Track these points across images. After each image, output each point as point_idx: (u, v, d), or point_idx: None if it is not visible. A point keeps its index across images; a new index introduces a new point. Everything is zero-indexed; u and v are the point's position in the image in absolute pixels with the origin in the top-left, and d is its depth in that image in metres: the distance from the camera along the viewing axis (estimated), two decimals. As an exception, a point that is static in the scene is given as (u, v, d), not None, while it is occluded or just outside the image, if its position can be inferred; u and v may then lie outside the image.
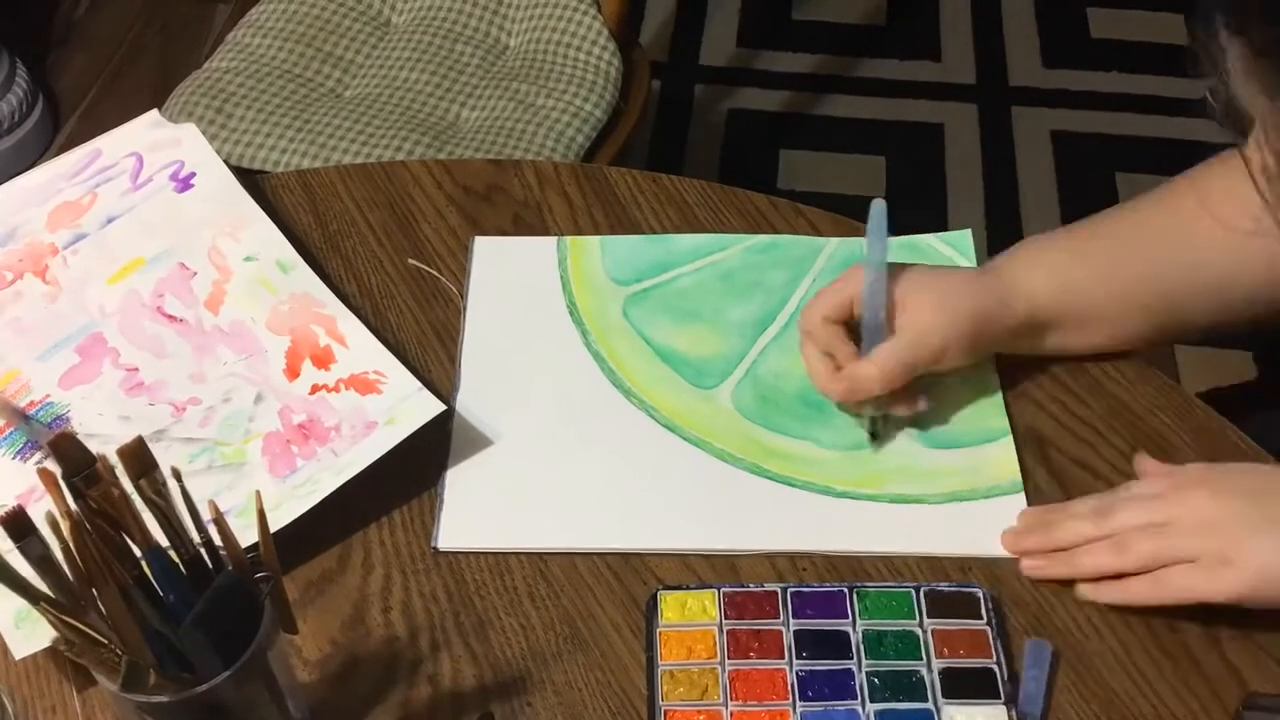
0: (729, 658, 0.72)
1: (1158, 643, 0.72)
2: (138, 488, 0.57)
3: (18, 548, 0.54)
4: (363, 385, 0.83)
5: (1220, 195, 0.78)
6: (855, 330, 0.81)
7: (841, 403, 0.82)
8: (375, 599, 0.75)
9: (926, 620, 0.73)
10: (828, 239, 0.93)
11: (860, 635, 0.72)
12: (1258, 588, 0.69)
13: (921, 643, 0.72)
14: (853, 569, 0.76)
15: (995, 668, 0.70)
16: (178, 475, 0.58)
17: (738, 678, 0.71)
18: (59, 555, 0.55)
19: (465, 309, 0.90)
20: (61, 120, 2.19)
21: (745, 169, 2.15)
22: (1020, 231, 2.04)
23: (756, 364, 0.86)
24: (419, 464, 0.80)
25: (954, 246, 0.92)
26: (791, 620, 0.73)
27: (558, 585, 0.76)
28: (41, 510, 0.54)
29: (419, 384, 0.82)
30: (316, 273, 0.90)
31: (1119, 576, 0.72)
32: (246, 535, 0.59)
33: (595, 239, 0.94)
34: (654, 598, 0.74)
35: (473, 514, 0.79)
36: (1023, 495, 0.78)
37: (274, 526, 0.60)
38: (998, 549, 0.76)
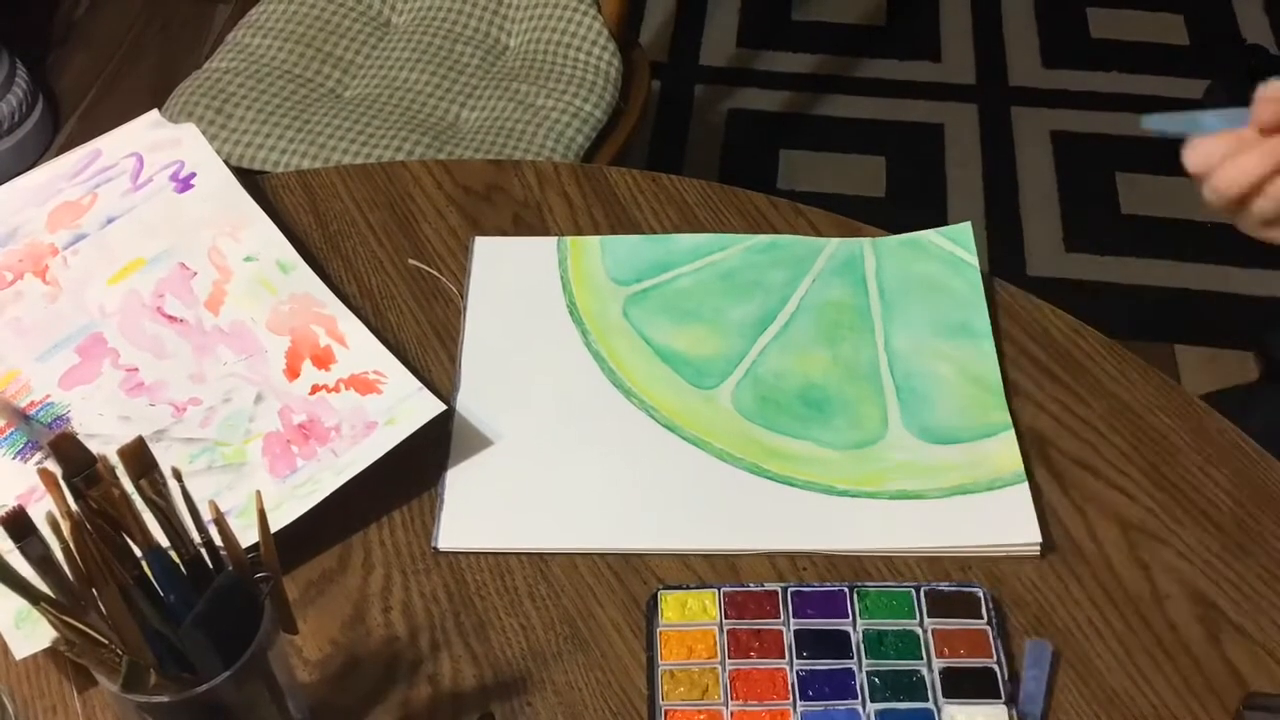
0: (729, 657, 0.72)
1: (1158, 643, 0.72)
2: (138, 488, 0.57)
3: (18, 548, 0.54)
4: (363, 385, 0.83)
5: None
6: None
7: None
8: (375, 599, 0.75)
9: (927, 620, 0.73)
10: (828, 239, 0.93)
11: (860, 635, 0.72)
12: None
13: (922, 642, 0.72)
14: (853, 568, 0.76)
15: (995, 667, 0.70)
16: (178, 475, 0.58)
17: (738, 677, 0.71)
18: (59, 555, 0.55)
19: (465, 309, 0.90)
20: (61, 120, 2.19)
21: (745, 169, 2.15)
22: (1020, 231, 2.04)
23: (756, 364, 0.86)
24: (419, 464, 0.80)
25: (955, 240, 0.92)
26: (792, 620, 0.73)
27: (558, 585, 0.76)
28: (42, 510, 0.54)
29: (419, 384, 0.82)
30: (316, 273, 0.90)
31: None
32: (247, 535, 0.59)
33: (595, 239, 0.94)
34: (654, 598, 0.74)
35: (473, 514, 0.79)
36: (1025, 486, 0.78)
37: (274, 526, 0.60)
38: (1001, 539, 0.76)
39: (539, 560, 0.77)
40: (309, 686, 0.71)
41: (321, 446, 0.80)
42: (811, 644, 0.72)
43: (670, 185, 0.98)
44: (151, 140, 0.97)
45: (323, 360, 0.85)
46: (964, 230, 0.93)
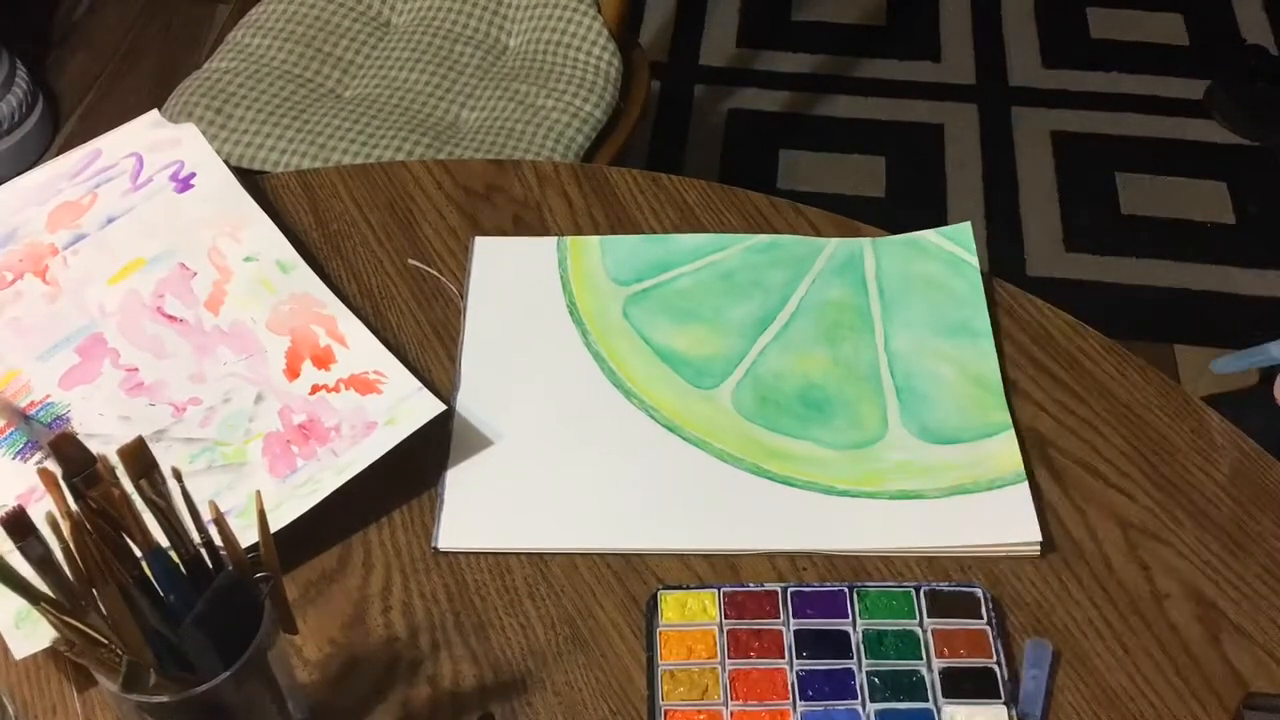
0: (729, 657, 0.72)
1: (1158, 643, 0.72)
2: (138, 488, 0.57)
3: (18, 548, 0.54)
4: (363, 385, 0.83)
5: None
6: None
7: None
8: (375, 599, 0.75)
9: (927, 620, 0.73)
10: (828, 239, 0.93)
11: (860, 635, 0.72)
12: None
13: (922, 642, 0.72)
14: (853, 568, 0.76)
15: (995, 667, 0.70)
16: (178, 475, 0.58)
17: (738, 677, 0.71)
18: (59, 555, 0.55)
19: (465, 309, 0.90)
20: (61, 120, 2.19)
21: (745, 169, 2.15)
22: (1020, 232, 2.05)
23: (756, 364, 0.86)
24: (419, 464, 0.80)
25: (955, 240, 0.92)
26: (792, 620, 0.73)
27: (558, 585, 0.76)
28: (42, 510, 0.54)
29: (419, 384, 0.82)
30: (316, 273, 0.90)
31: None
32: (246, 535, 0.59)
33: (595, 239, 0.94)
34: (654, 598, 0.74)
35: (473, 514, 0.79)
36: (1025, 486, 0.78)
37: (274, 526, 0.60)
38: (1000, 538, 0.76)
39: (539, 560, 0.77)
40: (309, 686, 0.71)
41: (321, 446, 0.80)
42: (811, 644, 0.72)
43: (670, 185, 0.98)
44: (151, 140, 0.97)
45: (323, 360, 0.85)
46: (964, 230, 0.93)
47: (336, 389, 0.83)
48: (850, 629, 0.73)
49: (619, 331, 0.88)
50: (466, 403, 0.84)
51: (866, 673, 0.71)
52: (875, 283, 0.90)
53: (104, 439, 0.80)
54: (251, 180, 0.97)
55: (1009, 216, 2.07)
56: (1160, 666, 0.71)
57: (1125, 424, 0.82)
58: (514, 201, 0.97)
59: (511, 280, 0.91)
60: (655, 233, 0.94)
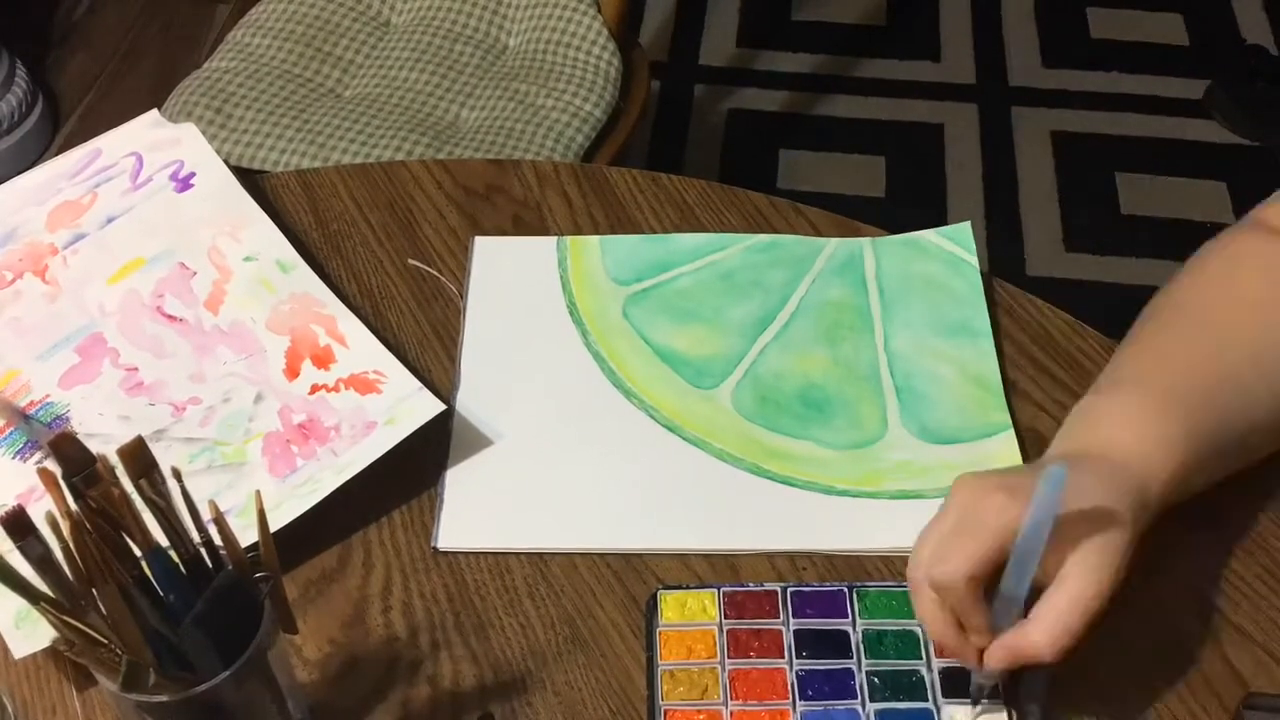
0: (729, 657, 0.72)
1: (1158, 643, 0.72)
2: (138, 488, 0.57)
3: (18, 548, 0.54)
4: (363, 385, 0.83)
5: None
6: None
7: (967, 665, 0.68)
8: (375, 599, 0.75)
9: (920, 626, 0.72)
10: (828, 239, 0.93)
11: (860, 635, 0.72)
12: None
13: (922, 642, 0.72)
14: (853, 568, 0.76)
15: (995, 667, 0.70)
16: (178, 475, 0.58)
17: (738, 677, 0.71)
18: (59, 555, 0.55)
19: (465, 309, 0.90)
20: (61, 120, 2.19)
21: (745, 169, 2.15)
22: (1020, 231, 2.04)
23: (756, 364, 0.86)
24: (419, 464, 0.80)
25: (954, 240, 0.92)
26: (791, 620, 0.73)
27: (558, 585, 0.76)
28: (41, 510, 0.54)
29: (419, 384, 0.82)
30: (316, 273, 0.90)
31: None
32: (246, 535, 0.59)
33: (595, 239, 0.94)
34: (654, 597, 0.74)
35: (473, 514, 0.79)
36: (1024, 492, 0.78)
37: (274, 526, 0.60)
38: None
39: (539, 560, 0.77)
40: (309, 686, 0.71)
41: (321, 446, 0.80)
42: (811, 644, 0.72)
43: (670, 185, 0.98)
44: (151, 140, 0.97)
45: (322, 360, 0.85)
46: (964, 230, 0.93)
47: (336, 389, 0.83)
48: (850, 629, 0.73)
49: (619, 331, 0.88)
50: (466, 403, 0.84)
51: (866, 672, 0.71)
52: (875, 283, 0.90)
53: (104, 439, 0.80)
54: (251, 180, 0.97)
55: (1009, 216, 2.07)
56: (1160, 666, 0.71)
57: (1125, 424, 0.82)
58: (514, 201, 0.97)
59: (511, 280, 0.91)
60: (655, 233, 0.94)
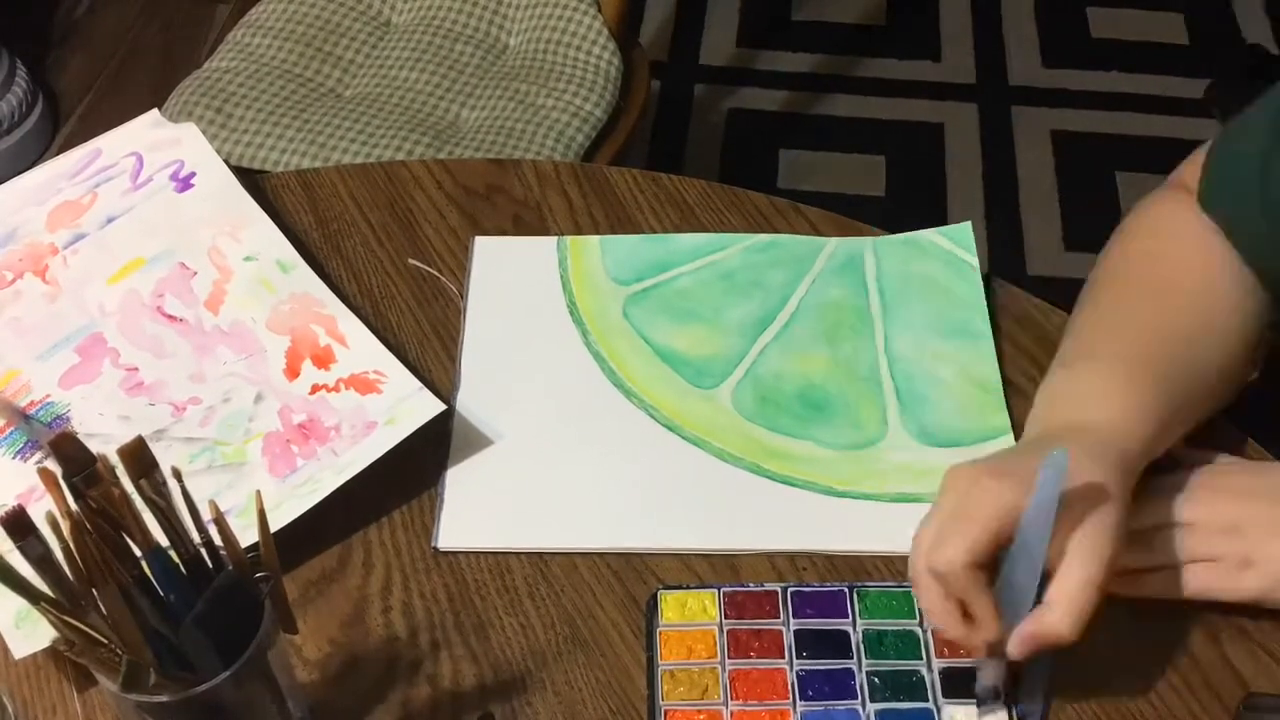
0: (729, 657, 0.72)
1: (1158, 643, 0.72)
2: (138, 488, 0.57)
3: (18, 548, 0.54)
4: (363, 385, 0.83)
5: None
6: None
7: (982, 656, 0.68)
8: (375, 599, 0.75)
9: (927, 620, 0.72)
10: (828, 239, 0.93)
11: (860, 635, 0.72)
12: (1276, 589, 0.70)
13: (922, 642, 0.72)
14: (853, 568, 0.76)
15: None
16: (178, 475, 0.58)
17: (738, 677, 0.71)
18: (59, 555, 0.55)
19: (465, 309, 0.90)
20: (61, 120, 2.19)
21: (745, 169, 2.15)
22: (1020, 231, 2.04)
23: (756, 364, 0.86)
24: (419, 464, 0.80)
25: (955, 240, 0.92)
26: (792, 620, 0.73)
27: (558, 585, 0.76)
28: (41, 510, 0.54)
29: (419, 384, 0.82)
30: (316, 273, 0.90)
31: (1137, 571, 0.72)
32: (246, 535, 0.59)
33: (595, 239, 0.94)
34: (654, 597, 0.74)
35: (473, 514, 0.79)
36: (1023, 495, 0.78)
37: (274, 526, 0.60)
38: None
39: (539, 560, 0.77)
40: (309, 686, 0.71)
41: (321, 446, 0.80)
42: (811, 644, 0.72)
43: (670, 185, 0.98)
44: (151, 140, 0.97)
45: (323, 360, 0.85)
46: (964, 230, 0.93)
47: (336, 389, 0.83)
48: (850, 629, 0.73)
49: (619, 331, 0.88)
50: (466, 403, 0.84)
51: (866, 673, 0.71)
52: (875, 283, 0.90)
53: (104, 439, 0.80)
54: (251, 180, 0.97)
55: (1009, 216, 2.07)
56: (1160, 666, 0.71)
57: (1125, 424, 0.82)
58: (514, 201, 0.97)
59: (511, 280, 0.91)
60: (655, 232, 0.94)
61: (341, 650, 0.73)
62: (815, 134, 2.21)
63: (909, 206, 2.08)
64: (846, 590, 0.74)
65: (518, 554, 0.77)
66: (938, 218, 2.03)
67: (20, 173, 0.96)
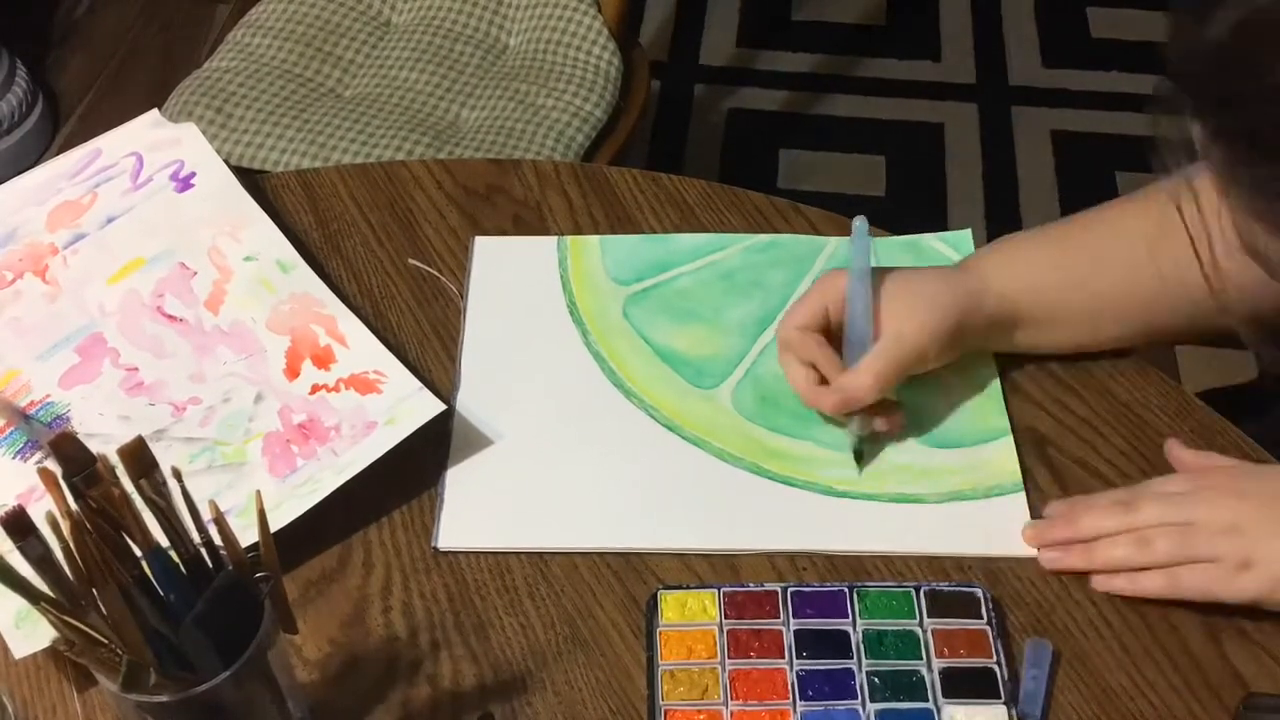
0: (729, 657, 0.72)
1: (1158, 643, 0.72)
2: (138, 487, 0.57)
3: (18, 548, 0.54)
4: (363, 385, 0.83)
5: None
6: (832, 338, 0.80)
7: (830, 414, 0.81)
8: (375, 599, 0.75)
9: (927, 620, 0.73)
10: (828, 238, 0.93)
11: (860, 635, 0.72)
12: (1275, 591, 0.70)
13: (922, 642, 0.72)
14: (853, 569, 0.76)
15: (995, 667, 0.70)
16: (178, 475, 0.58)
17: (738, 677, 0.71)
18: (59, 555, 0.55)
19: (465, 309, 0.90)
20: (61, 120, 2.19)
21: (745, 169, 2.15)
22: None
23: (756, 364, 0.86)
24: (419, 464, 0.80)
25: (954, 246, 0.92)
26: (792, 620, 0.73)
27: (558, 585, 0.76)
28: (41, 510, 0.54)
29: (419, 384, 0.82)
30: (316, 273, 0.90)
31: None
32: (246, 535, 0.59)
33: (595, 239, 0.94)
34: (654, 597, 0.74)
35: (473, 514, 0.79)
36: (1023, 495, 0.78)
37: (274, 526, 0.60)
38: (998, 548, 0.76)
39: (539, 560, 0.77)
40: (309, 686, 0.71)
41: (321, 446, 0.80)
42: (811, 644, 0.72)
43: (670, 185, 0.98)
44: (151, 140, 0.97)
45: (323, 360, 0.85)
46: (964, 237, 0.93)
47: (336, 389, 0.83)
48: (850, 629, 0.73)
49: (619, 331, 0.88)
50: (466, 403, 0.84)
51: (866, 673, 0.71)
52: (875, 283, 0.90)
53: (104, 439, 0.80)
54: (251, 180, 0.97)
55: (1009, 216, 2.07)
56: (1160, 666, 0.71)
57: (1125, 424, 0.82)
58: (514, 201, 0.97)
59: (511, 280, 0.91)
60: (655, 232, 0.94)
61: (341, 650, 0.73)
62: (815, 134, 2.20)
63: (909, 207, 2.07)
64: (846, 590, 0.74)
65: (518, 554, 0.77)
66: (938, 218, 2.03)
67: (20, 173, 0.96)
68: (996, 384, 0.84)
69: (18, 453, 0.81)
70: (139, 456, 0.57)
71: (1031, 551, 0.76)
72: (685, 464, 0.81)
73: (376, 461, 0.78)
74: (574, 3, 1.48)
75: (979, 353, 0.85)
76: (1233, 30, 0.51)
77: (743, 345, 0.87)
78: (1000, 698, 0.69)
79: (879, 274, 0.80)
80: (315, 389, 0.83)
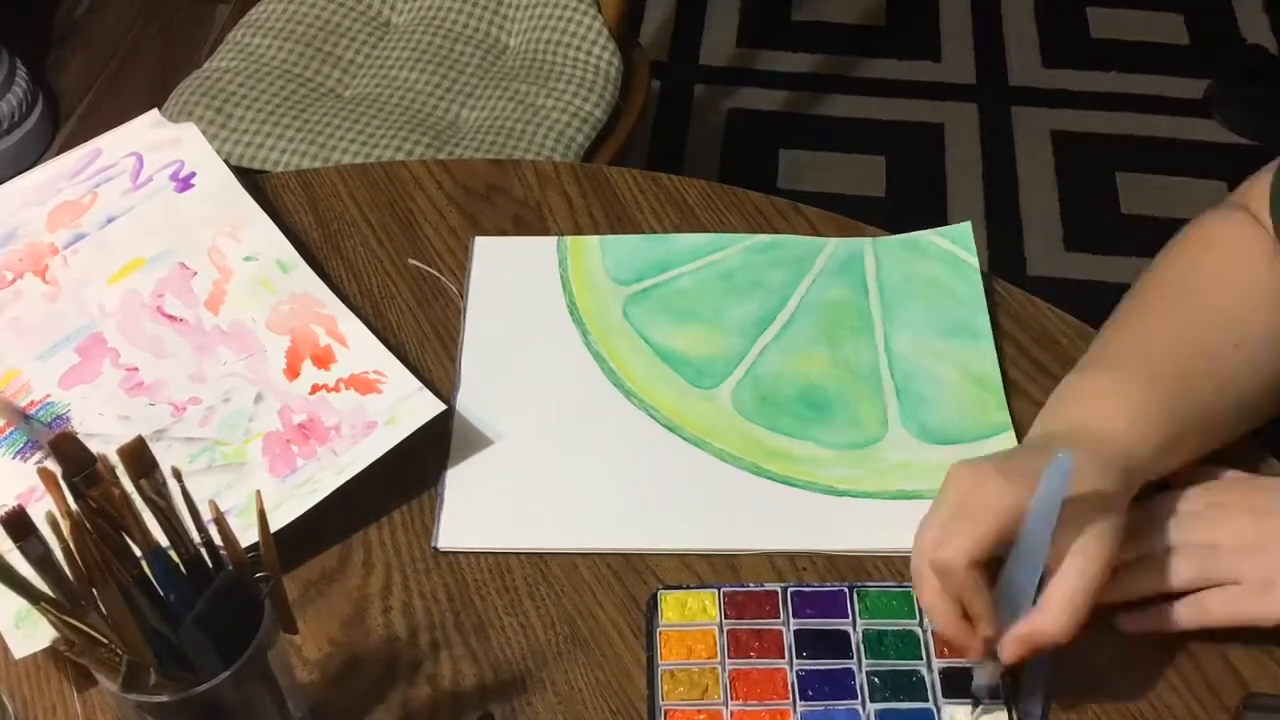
0: (729, 657, 0.72)
1: (1158, 643, 0.72)
2: (138, 487, 0.57)
3: (18, 548, 0.54)
4: (363, 385, 0.83)
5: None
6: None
7: (973, 659, 0.68)
8: (375, 599, 0.75)
9: (927, 620, 0.72)
10: (827, 239, 0.93)
11: (860, 635, 0.72)
12: None
13: (922, 642, 0.72)
14: (853, 568, 0.76)
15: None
16: (178, 475, 0.58)
17: (738, 677, 0.71)
18: (59, 555, 0.55)
19: (465, 309, 0.90)
20: (61, 120, 2.19)
21: (745, 169, 2.15)
22: (1020, 231, 2.04)
23: (756, 364, 0.86)
24: (419, 464, 0.80)
25: (955, 241, 0.92)
26: (792, 620, 0.73)
27: (558, 585, 0.76)
28: (41, 510, 0.54)
29: (419, 384, 0.82)
30: (316, 273, 0.90)
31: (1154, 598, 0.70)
32: (246, 535, 0.59)
33: (595, 239, 0.94)
34: (654, 597, 0.74)
35: (473, 514, 0.79)
36: (1023, 494, 0.78)
37: (274, 526, 0.60)
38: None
39: (539, 560, 0.77)
40: (309, 686, 0.71)
41: (321, 446, 0.80)
42: (811, 644, 0.72)
43: (670, 185, 0.98)
44: (151, 140, 0.97)
45: (323, 360, 0.85)
46: (964, 230, 0.93)
47: (336, 389, 0.83)
48: (850, 629, 0.73)
49: (619, 331, 0.88)
50: (466, 403, 0.84)
51: (866, 673, 0.71)
52: (875, 283, 0.90)
53: (104, 439, 0.80)
54: (251, 180, 0.97)
55: (1009, 216, 2.07)
56: (1160, 666, 0.71)
57: (1125, 424, 0.82)
58: (514, 201, 0.97)
59: (511, 280, 0.91)
60: (655, 232, 0.94)
61: (341, 650, 0.73)
62: (815, 134, 2.21)
63: (909, 207, 2.08)
64: (846, 590, 0.74)
65: (518, 554, 0.77)
66: (938, 218, 2.03)
67: (20, 173, 0.96)
68: (998, 380, 0.84)
69: (18, 453, 0.81)
70: (139, 456, 0.57)
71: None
72: (685, 464, 0.81)
73: (376, 461, 0.78)
74: (574, 3, 1.48)
75: (979, 351, 0.85)
76: None
77: (743, 345, 0.87)
78: (1000, 698, 0.69)
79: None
80: (315, 389, 0.83)
